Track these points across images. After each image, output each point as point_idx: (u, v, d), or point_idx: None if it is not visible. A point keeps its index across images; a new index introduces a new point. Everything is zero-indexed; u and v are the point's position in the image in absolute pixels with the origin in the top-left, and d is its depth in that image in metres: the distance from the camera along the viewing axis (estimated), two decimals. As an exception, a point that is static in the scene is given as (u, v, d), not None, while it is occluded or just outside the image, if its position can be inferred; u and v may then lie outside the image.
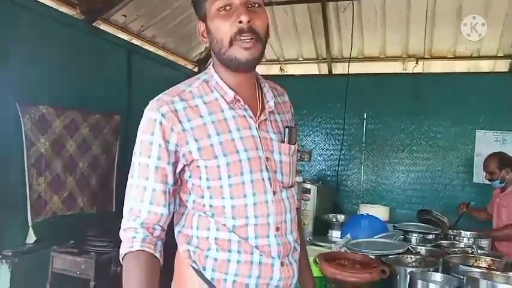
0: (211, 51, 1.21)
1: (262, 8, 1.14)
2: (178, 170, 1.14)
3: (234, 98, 1.15)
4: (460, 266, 2.01)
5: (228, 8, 1.09)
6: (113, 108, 3.60)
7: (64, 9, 3.18)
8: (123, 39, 3.83)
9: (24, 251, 2.77)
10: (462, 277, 1.86)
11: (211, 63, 1.22)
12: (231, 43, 1.10)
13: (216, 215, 1.13)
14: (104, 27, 3.57)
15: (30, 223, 2.81)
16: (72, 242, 2.92)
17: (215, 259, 1.13)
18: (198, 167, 1.12)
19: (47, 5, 3.03)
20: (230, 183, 1.11)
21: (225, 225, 1.12)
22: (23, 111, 2.76)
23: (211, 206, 1.13)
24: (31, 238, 2.82)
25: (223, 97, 1.16)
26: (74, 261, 2.75)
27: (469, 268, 1.96)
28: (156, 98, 1.15)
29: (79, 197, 3.21)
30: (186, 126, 1.11)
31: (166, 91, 1.16)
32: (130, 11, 3.68)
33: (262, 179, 1.14)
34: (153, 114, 1.11)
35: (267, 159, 1.17)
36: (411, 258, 2.24)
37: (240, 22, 1.08)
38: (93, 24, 3.40)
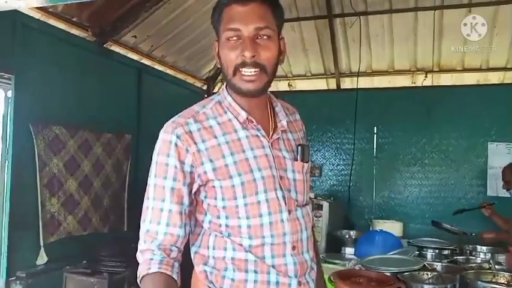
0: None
1: (271, 39, 1.13)
2: (193, 190, 1.14)
3: (247, 118, 1.17)
4: (479, 282, 1.98)
5: (236, 38, 1.12)
6: (123, 127, 3.64)
7: (76, 31, 3.24)
8: (134, 60, 3.89)
9: (37, 271, 2.77)
10: (481, 294, 1.82)
11: (225, 85, 1.23)
12: (234, 73, 1.13)
13: (232, 235, 1.13)
14: (114, 48, 3.63)
15: (42, 243, 2.82)
16: (84, 262, 2.92)
17: (232, 279, 1.12)
18: (214, 187, 1.12)
19: (60, 28, 3.09)
20: (245, 203, 1.12)
21: (241, 245, 1.12)
22: (36, 132, 2.80)
23: (227, 225, 1.13)
24: (42, 259, 2.82)
25: (236, 118, 1.17)
26: (87, 282, 2.74)
27: (487, 284, 1.93)
28: (171, 120, 1.16)
29: (93, 216, 3.22)
30: (201, 147, 1.12)
31: (180, 113, 1.18)
32: (141, 32, 3.75)
33: (277, 197, 1.15)
34: (169, 136, 1.12)
35: (281, 177, 1.17)
36: (427, 274, 2.21)
37: (243, 56, 1.10)
38: (104, 45, 3.46)
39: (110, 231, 3.39)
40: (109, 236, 3.36)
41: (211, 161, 1.11)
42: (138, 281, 1.10)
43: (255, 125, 1.17)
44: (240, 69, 1.11)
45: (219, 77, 5.03)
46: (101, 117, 3.39)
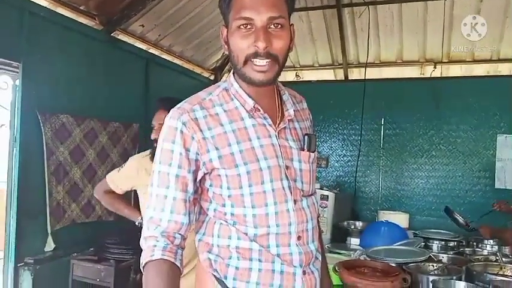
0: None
1: (283, 28, 1.10)
2: (198, 178, 1.14)
3: (254, 106, 1.15)
4: (485, 274, 1.96)
5: (248, 26, 1.08)
6: (131, 116, 3.64)
7: (83, 20, 3.23)
8: (141, 49, 3.88)
9: (45, 258, 2.81)
10: (487, 286, 1.81)
11: (232, 71, 1.22)
12: (245, 62, 1.10)
13: (238, 224, 1.12)
14: (122, 37, 3.62)
15: (49, 231, 2.85)
16: (91, 249, 2.95)
17: (236, 268, 1.12)
18: (219, 175, 1.12)
19: (67, 16, 3.08)
20: (251, 192, 1.11)
21: (246, 233, 1.12)
22: (44, 120, 2.82)
23: (232, 214, 1.13)
24: (50, 246, 2.85)
25: (243, 106, 1.16)
26: (94, 269, 2.77)
27: (494, 276, 1.91)
28: (176, 106, 1.15)
29: (97, 204, 3.24)
30: (206, 135, 1.11)
31: (186, 99, 1.17)
32: (148, 21, 3.73)
33: (283, 187, 1.14)
34: (174, 123, 1.11)
35: (287, 167, 1.16)
36: (433, 266, 2.20)
37: (255, 46, 1.07)
38: (112, 34, 3.45)
39: (116, 219, 3.41)
40: (116, 224, 3.38)
41: (216, 149, 1.10)
42: (141, 267, 1.10)
43: (261, 114, 1.16)
44: (252, 60, 1.09)
45: (227, 67, 5.02)
46: (108, 106, 3.39)
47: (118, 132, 3.47)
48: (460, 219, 3.30)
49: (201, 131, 1.11)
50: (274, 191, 1.12)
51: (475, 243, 2.97)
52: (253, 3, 1.07)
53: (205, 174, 1.14)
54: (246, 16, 1.07)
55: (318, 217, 1.33)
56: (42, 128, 2.80)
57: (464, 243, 3.01)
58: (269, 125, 1.16)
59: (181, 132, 1.10)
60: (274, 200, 1.12)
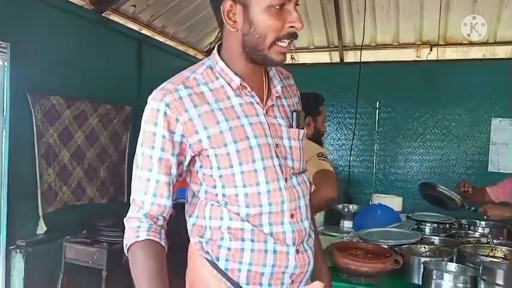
0: (224, 37, 1.15)
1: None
2: (187, 161, 1.12)
3: (240, 84, 1.12)
4: (476, 255, 1.97)
5: (280, 6, 1.03)
6: (123, 98, 3.60)
7: (74, -1, 3.17)
8: (133, 30, 3.81)
9: (37, 241, 2.80)
10: (478, 267, 1.81)
11: (216, 49, 1.17)
12: (272, 44, 1.06)
13: (229, 204, 1.11)
14: (113, 17, 3.55)
15: (41, 213, 2.83)
16: (84, 232, 2.94)
17: (228, 248, 1.11)
18: (208, 156, 1.09)
19: (57, -4, 3.02)
20: (242, 171, 1.09)
21: (238, 214, 1.10)
22: (34, 101, 2.77)
23: (224, 195, 1.11)
24: (41, 229, 2.84)
25: (229, 84, 1.12)
26: (86, 251, 2.77)
27: (485, 258, 1.92)
28: (160, 87, 1.11)
29: (88, 187, 3.22)
30: (192, 114, 1.07)
31: (170, 79, 1.13)
32: (140, 1, 3.66)
33: (274, 165, 1.12)
34: (156, 105, 1.08)
35: (277, 145, 1.14)
36: (425, 247, 2.20)
37: (292, 27, 1.04)
38: (103, 14, 3.38)
39: (108, 202, 3.40)
40: (109, 207, 3.37)
41: (205, 128, 1.07)
42: (125, 249, 1.09)
43: (248, 92, 1.13)
44: (278, 42, 1.05)
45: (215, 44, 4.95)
46: (99, 88, 3.34)
47: (109, 115, 3.43)
48: (449, 194, 2.93)
49: (186, 111, 1.07)
50: (266, 169, 1.10)
51: (467, 226, 2.98)
52: None
53: (193, 156, 1.11)
54: None
55: (311, 195, 1.31)
56: (32, 109, 2.76)
57: (456, 226, 3.01)
58: (256, 103, 1.14)
59: (165, 114, 1.07)
60: (266, 178, 1.10)
